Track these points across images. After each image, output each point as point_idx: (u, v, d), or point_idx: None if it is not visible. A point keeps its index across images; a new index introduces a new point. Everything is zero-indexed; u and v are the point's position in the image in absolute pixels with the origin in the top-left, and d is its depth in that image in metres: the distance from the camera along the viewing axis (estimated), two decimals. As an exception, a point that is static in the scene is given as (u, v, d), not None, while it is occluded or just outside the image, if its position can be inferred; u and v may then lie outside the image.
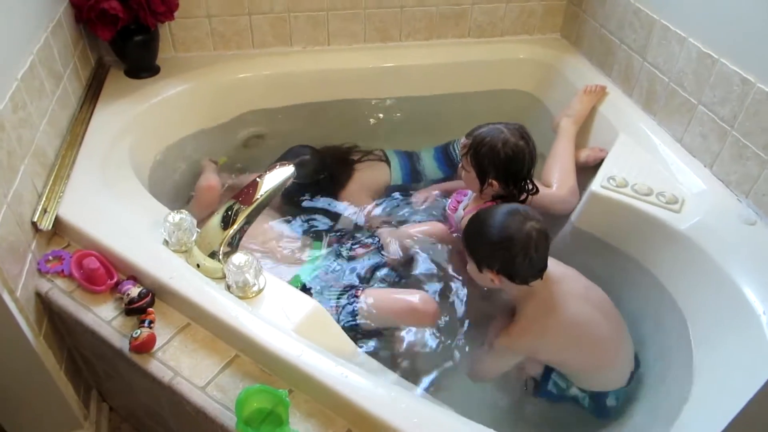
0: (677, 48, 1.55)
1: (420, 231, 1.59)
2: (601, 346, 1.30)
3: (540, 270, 1.24)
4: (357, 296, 1.38)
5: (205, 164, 1.75)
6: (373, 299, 1.38)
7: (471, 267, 1.32)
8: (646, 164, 1.57)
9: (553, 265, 1.29)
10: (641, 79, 1.73)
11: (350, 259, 1.53)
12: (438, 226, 1.61)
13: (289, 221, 1.71)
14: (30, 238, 1.15)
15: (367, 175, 1.85)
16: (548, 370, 1.38)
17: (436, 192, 1.82)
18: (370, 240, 1.59)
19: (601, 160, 1.71)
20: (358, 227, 1.71)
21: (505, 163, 1.42)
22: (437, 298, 1.46)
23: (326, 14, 1.89)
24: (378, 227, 1.67)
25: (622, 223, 1.49)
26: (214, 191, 1.63)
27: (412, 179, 1.88)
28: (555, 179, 1.64)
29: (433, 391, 1.31)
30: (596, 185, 1.51)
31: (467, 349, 1.41)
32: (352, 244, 1.57)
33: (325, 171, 1.81)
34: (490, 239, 1.24)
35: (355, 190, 1.81)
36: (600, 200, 1.49)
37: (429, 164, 1.90)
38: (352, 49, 1.97)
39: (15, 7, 1.22)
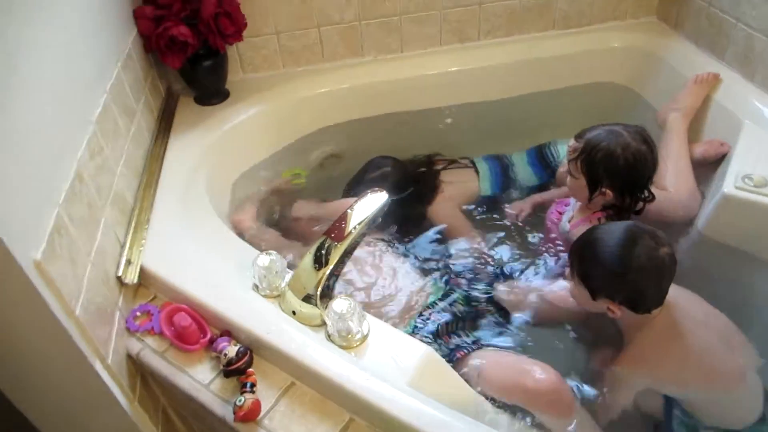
0: (817, 23, 1.33)
1: (552, 298, 1.35)
2: (725, 375, 1.14)
3: (665, 297, 1.10)
4: (459, 358, 1.21)
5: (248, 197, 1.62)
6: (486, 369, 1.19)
7: (580, 293, 1.17)
8: (784, 158, 1.35)
9: (671, 289, 1.13)
10: (766, 59, 1.50)
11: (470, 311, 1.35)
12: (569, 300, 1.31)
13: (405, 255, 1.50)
14: (116, 295, 1.06)
15: (456, 187, 1.69)
16: (669, 407, 1.20)
17: (532, 203, 1.65)
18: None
19: (722, 156, 1.50)
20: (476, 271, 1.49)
21: (624, 170, 1.26)
22: None
23: (399, 19, 1.75)
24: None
25: (763, 229, 1.29)
26: (242, 224, 1.50)
27: (504, 187, 1.72)
28: (671, 181, 1.44)
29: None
30: (729, 186, 1.31)
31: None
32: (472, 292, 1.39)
33: (409, 184, 1.67)
34: (615, 269, 1.09)
35: (444, 205, 1.66)
36: (735, 203, 1.30)
37: (522, 169, 1.73)
38: (428, 53, 1.83)
39: (88, 43, 1.14)
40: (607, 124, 1.30)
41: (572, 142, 1.32)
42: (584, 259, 1.15)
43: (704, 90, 1.61)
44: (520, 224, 1.62)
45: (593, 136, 1.28)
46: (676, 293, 1.15)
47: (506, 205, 1.68)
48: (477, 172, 1.72)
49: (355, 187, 1.68)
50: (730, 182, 1.32)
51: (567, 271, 1.21)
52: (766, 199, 1.28)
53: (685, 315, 1.15)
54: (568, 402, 1.13)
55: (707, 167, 1.52)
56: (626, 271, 1.08)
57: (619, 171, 1.26)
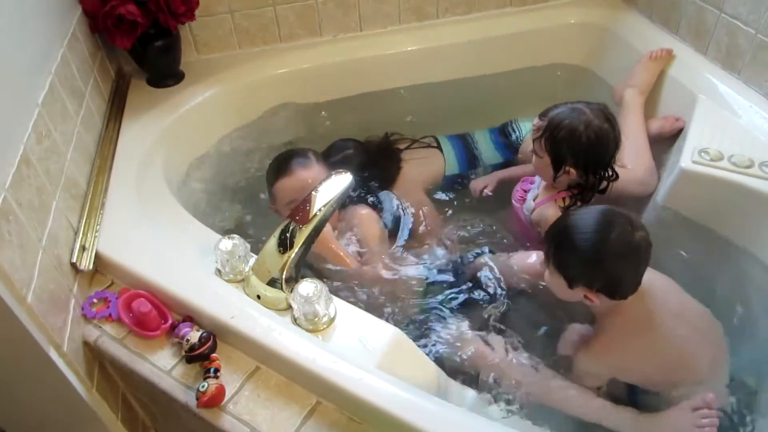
0: (766, -5, 1.36)
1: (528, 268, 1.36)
2: (697, 368, 1.14)
3: (640, 282, 1.08)
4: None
5: None
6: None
7: (557, 282, 1.14)
8: (738, 131, 1.39)
9: (648, 273, 1.11)
10: (718, 33, 1.54)
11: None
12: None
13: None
14: (71, 282, 1.03)
15: (418, 166, 1.68)
16: (633, 393, 1.20)
17: (496, 179, 1.66)
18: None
19: (678, 131, 1.53)
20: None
21: (586, 148, 1.26)
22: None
23: (356, -3, 1.72)
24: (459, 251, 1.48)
25: (720, 202, 1.32)
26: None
27: (469, 166, 1.72)
28: (628, 158, 1.46)
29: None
30: (686, 161, 1.33)
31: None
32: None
33: (371, 166, 1.66)
34: (592, 256, 1.07)
35: (407, 185, 1.66)
36: (693, 177, 1.32)
37: (486, 147, 1.74)
38: (387, 32, 1.80)
39: (28, 23, 1.08)
40: (570, 102, 1.31)
41: (536, 120, 1.33)
42: (560, 248, 1.12)
43: (659, 66, 1.64)
44: (485, 202, 1.62)
45: (556, 114, 1.29)
46: (651, 279, 1.13)
47: (471, 180, 1.68)
48: (441, 150, 1.72)
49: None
50: (687, 157, 1.34)
51: (540, 260, 1.19)
52: (722, 172, 1.30)
53: (659, 304, 1.13)
54: None
55: (664, 142, 1.56)
56: (603, 257, 1.06)
57: (582, 149, 1.26)
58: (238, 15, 1.65)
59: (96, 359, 1.06)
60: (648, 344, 1.12)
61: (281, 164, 1.41)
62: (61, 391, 0.95)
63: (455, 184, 1.71)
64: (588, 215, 1.12)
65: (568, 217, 1.15)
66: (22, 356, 0.87)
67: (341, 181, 1.14)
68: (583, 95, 1.44)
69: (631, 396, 1.20)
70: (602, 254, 1.06)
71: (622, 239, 1.05)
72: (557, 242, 1.13)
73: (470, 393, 1.13)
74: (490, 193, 1.64)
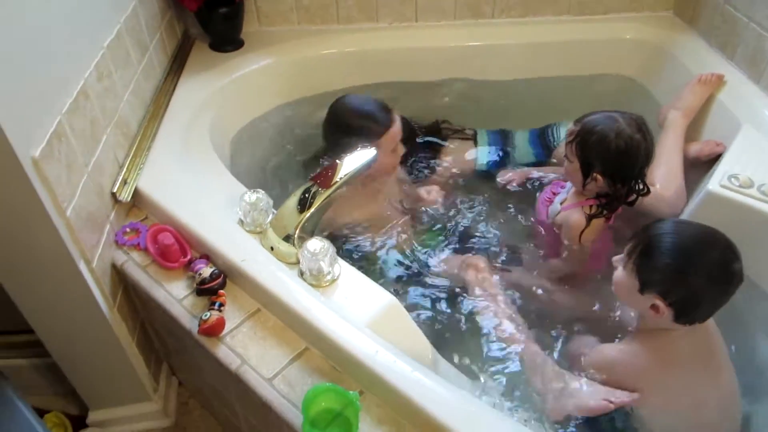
0: (826, 29, 1.33)
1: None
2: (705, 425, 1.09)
3: (710, 317, 1.04)
4: None
5: None
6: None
7: (627, 282, 1.07)
8: (776, 162, 1.37)
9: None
10: (773, 63, 1.51)
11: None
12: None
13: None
14: (109, 209, 1.14)
15: (451, 158, 1.73)
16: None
17: (525, 175, 1.67)
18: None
19: (717, 156, 1.51)
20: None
21: (615, 156, 1.27)
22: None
23: (416, -12, 1.78)
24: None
25: (742, 230, 1.28)
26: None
27: (500, 162, 1.75)
28: (659, 179, 1.45)
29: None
30: (714, 184, 1.32)
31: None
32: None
33: (416, 144, 1.70)
34: (684, 266, 1.00)
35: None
36: (718, 202, 1.30)
37: (522, 146, 1.75)
38: (441, 25, 1.85)
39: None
40: (608, 110, 1.31)
41: (571, 125, 1.34)
42: (650, 248, 1.04)
43: (707, 90, 1.62)
44: (509, 207, 1.65)
45: (589, 120, 1.30)
46: (709, 326, 1.06)
47: (499, 174, 1.70)
48: (476, 144, 1.76)
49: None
50: (715, 180, 1.32)
51: (619, 257, 1.11)
52: (748, 199, 1.27)
53: (704, 351, 1.06)
54: None
55: (702, 167, 1.54)
56: (695, 271, 0.98)
57: (611, 157, 1.26)
58: (301, -8, 1.75)
59: (121, 283, 1.18)
60: (669, 379, 1.06)
61: (383, 115, 1.40)
62: (86, 303, 1.06)
63: (483, 179, 1.74)
64: (694, 225, 1.06)
65: (672, 222, 1.09)
66: (55, 262, 0.98)
67: (366, 154, 1.22)
68: (629, 109, 1.45)
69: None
70: (695, 267, 0.99)
71: (720, 262, 0.98)
72: (648, 242, 1.04)
73: (462, 377, 1.17)
74: (515, 187, 1.65)
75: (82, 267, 1.00)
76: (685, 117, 1.60)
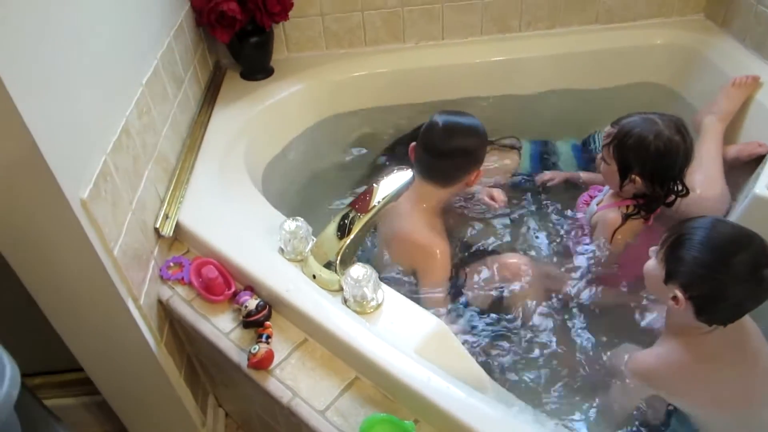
0: None
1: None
2: (753, 414, 1.06)
3: (735, 319, 1.01)
4: None
5: None
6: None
7: (655, 270, 1.07)
8: (822, 163, 1.32)
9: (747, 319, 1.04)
10: (812, 62, 1.47)
11: None
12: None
13: None
14: (153, 245, 1.15)
15: (493, 162, 1.70)
16: (668, 417, 1.15)
17: (563, 176, 1.66)
18: None
19: (758, 157, 1.47)
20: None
21: (654, 158, 1.25)
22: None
23: (441, 6, 1.78)
24: None
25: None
26: None
27: (542, 167, 1.73)
28: (699, 184, 1.42)
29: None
30: (761, 188, 1.28)
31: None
32: None
33: None
34: (709, 263, 0.99)
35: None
36: (765, 206, 1.27)
37: (565, 155, 1.74)
38: (468, 42, 1.85)
39: (142, 13, 1.23)
40: (645, 112, 1.30)
41: (608, 127, 1.34)
42: (682, 238, 1.03)
43: (743, 94, 1.58)
44: (545, 205, 1.62)
45: (627, 122, 1.29)
46: (745, 324, 1.05)
47: (538, 176, 1.68)
48: (519, 150, 1.73)
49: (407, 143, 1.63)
50: (762, 183, 1.29)
51: (655, 247, 1.11)
52: (797, 202, 1.25)
53: (736, 342, 1.04)
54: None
55: (744, 170, 1.50)
56: (720, 270, 0.97)
57: (650, 158, 1.25)
58: (328, 18, 1.76)
59: (167, 317, 1.18)
60: (712, 375, 1.05)
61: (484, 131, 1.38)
62: (134, 340, 1.07)
63: (523, 182, 1.71)
64: (731, 225, 1.05)
65: (710, 219, 1.06)
66: (103, 301, 0.98)
67: (402, 176, 1.21)
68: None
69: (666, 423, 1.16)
70: (721, 264, 0.98)
71: (750, 264, 0.96)
72: (681, 233, 1.04)
73: (516, 400, 1.14)
74: (553, 183, 1.64)
75: (130, 304, 1.01)
76: (722, 121, 1.56)
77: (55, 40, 0.86)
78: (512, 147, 1.74)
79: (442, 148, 1.32)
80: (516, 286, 1.33)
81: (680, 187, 1.30)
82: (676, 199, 1.31)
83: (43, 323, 1.01)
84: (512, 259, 1.38)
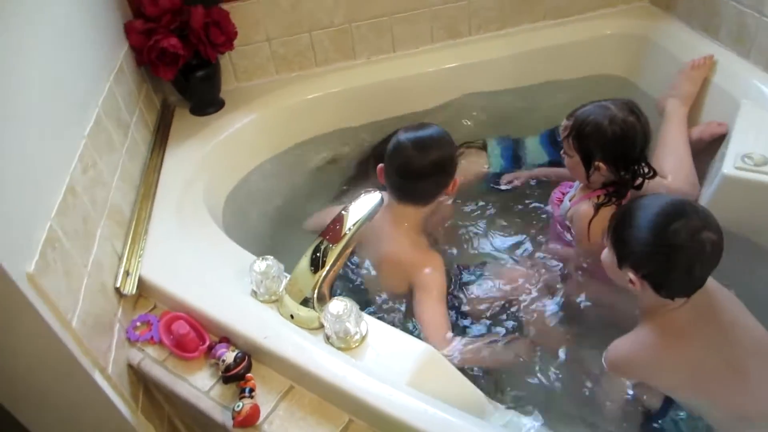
0: (809, -5, 1.31)
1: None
2: (742, 399, 1.05)
3: (695, 288, 1.03)
4: None
5: None
6: None
7: (609, 258, 1.11)
8: (784, 135, 1.33)
9: (710, 284, 1.05)
10: (760, 37, 1.49)
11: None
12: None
13: None
14: (115, 306, 1.07)
15: (462, 167, 1.67)
16: (667, 404, 1.14)
17: (529, 175, 1.65)
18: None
19: (720, 136, 1.48)
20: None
21: (613, 142, 1.26)
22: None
23: (389, 19, 1.75)
24: None
25: (764, 210, 1.27)
26: None
27: (514, 164, 1.71)
28: (669, 169, 1.42)
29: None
30: (728, 167, 1.29)
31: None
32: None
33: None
34: (648, 238, 1.01)
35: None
36: (736, 184, 1.28)
37: (533, 147, 1.72)
38: (420, 52, 1.83)
39: (77, 60, 1.15)
40: (597, 101, 1.31)
41: (564, 121, 1.34)
42: (621, 222, 1.08)
43: (701, 75, 1.59)
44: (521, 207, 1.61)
45: (581, 112, 1.29)
46: (712, 290, 1.06)
47: (502, 178, 1.67)
48: (486, 150, 1.71)
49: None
50: (729, 163, 1.30)
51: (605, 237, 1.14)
52: (766, 177, 1.26)
53: (710, 317, 1.05)
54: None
55: (708, 150, 1.51)
56: (658, 242, 1.00)
57: (609, 142, 1.26)
58: (275, 42, 1.71)
59: (141, 382, 1.10)
60: (683, 355, 1.05)
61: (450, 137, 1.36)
62: (107, 414, 0.99)
63: (496, 182, 1.69)
64: (662, 198, 1.07)
65: (645, 197, 1.10)
66: (68, 380, 0.90)
67: (371, 199, 1.16)
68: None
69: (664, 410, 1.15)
70: (658, 238, 1.00)
71: (685, 231, 0.98)
72: (620, 217, 1.08)
73: (518, 418, 1.11)
74: (518, 184, 1.64)
75: (97, 377, 0.93)
76: (685, 104, 1.57)
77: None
78: (479, 148, 1.72)
79: (417, 169, 1.29)
80: (516, 295, 1.32)
81: (646, 169, 1.31)
82: (644, 181, 1.31)
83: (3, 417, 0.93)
84: (509, 269, 1.39)
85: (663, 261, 1.00)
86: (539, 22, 1.87)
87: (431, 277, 1.30)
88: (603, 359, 1.15)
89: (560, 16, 1.86)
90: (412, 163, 1.29)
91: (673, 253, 0.99)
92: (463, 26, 1.81)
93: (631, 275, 1.05)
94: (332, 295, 1.09)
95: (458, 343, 1.22)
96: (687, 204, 1.03)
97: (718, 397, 1.07)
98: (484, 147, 1.73)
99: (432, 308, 1.27)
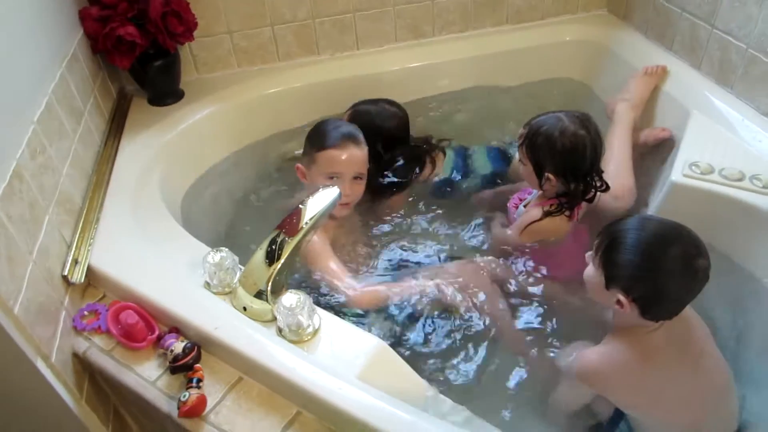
0: (755, 10, 1.37)
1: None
2: (696, 420, 1.08)
3: (677, 313, 1.03)
4: None
5: None
6: None
7: (595, 279, 1.08)
8: (730, 145, 1.40)
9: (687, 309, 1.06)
10: (711, 48, 1.55)
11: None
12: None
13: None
14: (62, 295, 1.05)
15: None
16: (618, 416, 1.16)
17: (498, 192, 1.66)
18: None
19: (663, 141, 1.54)
20: None
21: (562, 155, 1.28)
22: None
23: (353, 16, 1.76)
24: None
25: (710, 216, 1.31)
26: None
27: (463, 174, 1.71)
28: (609, 174, 1.46)
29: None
30: (677, 175, 1.33)
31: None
32: None
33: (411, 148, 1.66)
34: (642, 263, 1.00)
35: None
36: (683, 191, 1.32)
37: (480, 157, 1.72)
38: (384, 50, 1.84)
39: (24, 46, 1.12)
40: (553, 111, 1.33)
41: (521, 129, 1.36)
42: (614, 243, 1.04)
43: (653, 81, 1.65)
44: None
45: (536, 122, 1.32)
46: (686, 315, 1.06)
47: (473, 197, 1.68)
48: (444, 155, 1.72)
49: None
50: (677, 170, 1.34)
51: (589, 253, 1.12)
52: (712, 185, 1.30)
53: (681, 342, 1.06)
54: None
55: (652, 154, 1.56)
56: (655, 267, 0.99)
57: (558, 155, 1.28)
58: (236, 35, 1.70)
59: (86, 371, 1.08)
60: (650, 376, 1.06)
61: (335, 134, 1.40)
62: (50, 402, 0.96)
63: (443, 188, 1.70)
64: (658, 221, 1.06)
65: (638, 218, 1.09)
66: (8, 367, 0.88)
67: (329, 194, 1.17)
68: (578, 109, 1.45)
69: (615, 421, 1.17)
70: (655, 263, 0.99)
71: (682, 257, 0.98)
72: (613, 237, 1.05)
73: (462, 411, 1.13)
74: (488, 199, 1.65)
75: (40, 365, 0.91)
76: (634, 109, 1.62)
77: None
78: (441, 151, 1.73)
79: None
80: (457, 286, 1.33)
81: (599, 183, 1.33)
82: (595, 194, 1.34)
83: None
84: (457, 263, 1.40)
85: (658, 287, 1.00)
86: (502, 26, 1.90)
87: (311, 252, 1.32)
88: (568, 364, 1.16)
89: (522, 20, 1.91)
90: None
91: (669, 280, 0.99)
92: (427, 26, 1.84)
93: (621, 297, 1.03)
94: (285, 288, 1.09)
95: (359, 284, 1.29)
96: (681, 228, 1.02)
97: (673, 423, 1.09)
98: (444, 152, 1.74)
99: (322, 269, 1.31)
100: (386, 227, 1.57)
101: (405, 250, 1.49)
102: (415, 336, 1.30)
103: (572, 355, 1.18)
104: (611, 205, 1.42)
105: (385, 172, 1.62)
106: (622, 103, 1.62)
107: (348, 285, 1.30)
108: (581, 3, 1.92)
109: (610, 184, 1.40)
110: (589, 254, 1.12)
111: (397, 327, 1.30)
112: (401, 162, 1.64)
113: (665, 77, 1.65)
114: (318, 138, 1.42)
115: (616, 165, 1.47)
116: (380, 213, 1.57)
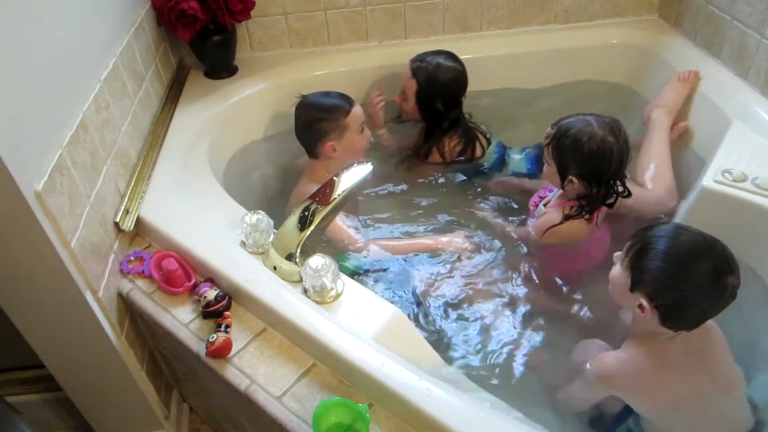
0: (805, 22, 1.36)
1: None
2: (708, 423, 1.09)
3: (698, 325, 1.03)
4: None
5: None
6: None
7: (620, 279, 1.08)
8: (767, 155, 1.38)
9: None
10: (758, 58, 1.53)
11: None
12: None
13: None
14: (112, 239, 1.16)
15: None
16: (626, 413, 1.17)
17: (518, 185, 1.70)
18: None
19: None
20: None
21: (588, 159, 1.28)
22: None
23: (403, 6, 1.82)
24: None
25: (739, 225, 1.30)
26: None
27: (500, 168, 1.76)
28: (649, 178, 1.47)
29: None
30: (708, 180, 1.33)
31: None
32: None
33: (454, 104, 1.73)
34: (673, 272, 0.99)
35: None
36: (713, 197, 1.32)
37: (517, 156, 1.77)
38: (431, 41, 1.88)
39: (98, 11, 1.23)
40: (583, 113, 1.33)
41: (549, 128, 1.37)
42: (646, 247, 1.03)
43: (687, 87, 1.65)
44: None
45: (564, 124, 1.32)
46: (708, 328, 1.06)
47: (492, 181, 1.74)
48: (489, 144, 1.78)
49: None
50: (709, 176, 1.34)
51: (618, 254, 1.11)
52: (743, 193, 1.29)
53: (698, 352, 1.05)
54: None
55: (693, 165, 1.56)
56: (684, 278, 0.98)
57: (583, 158, 1.28)
58: (291, 17, 1.78)
59: (128, 311, 1.19)
60: (666, 383, 1.06)
61: (338, 99, 1.54)
62: (93, 332, 1.07)
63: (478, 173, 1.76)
64: (693, 232, 1.03)
65: (670, 225, 1.08)
66: (61, 294, 0.99)
67: (363, 169, 1.23)
68: (622, 114, 1.46)
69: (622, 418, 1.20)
70: (685, 274, 0.98)
71: (713, 272, 0.97)
72: (645, 242, 1.04)
73: (467, 381, 1.17)
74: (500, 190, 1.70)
75: (89, 297, 1.02)
76: (669, 114, 1.63)
77: (6, 36, 0.87)
78: (485, 137, 1.78)
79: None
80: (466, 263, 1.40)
81: (622, 189, 1.33)
82: (616, 200, 1.34)
83: (2, 319, 1.01)
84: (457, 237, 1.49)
85: (683, 298, 0.99)
86: (549, 25, 1.92)
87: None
88: (588, 365, 1.16)
89: (570, 21, 1.92)
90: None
91: (696, 293, 0.98)
92: (474, 20, 1.88)
93: (644, 302, 1.02)
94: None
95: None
96: (715, 243, 1.00)
97: (682, 425, 1.10)
98: (488, 139, 1.79)
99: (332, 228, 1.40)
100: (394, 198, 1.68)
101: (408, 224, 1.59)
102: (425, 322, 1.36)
103: (586, 353, 1.20)
104: (654, 210, 1.43)
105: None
106: (657, 110, 1.63)
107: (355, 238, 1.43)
108: (632, 7, 1.92)
109: (651, 190, 1.41)
110: (617, 255, 1.12)
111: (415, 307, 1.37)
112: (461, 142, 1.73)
113: (698, 82, 1.65)
114: (332, 110, 1.52)
115: (656, 171, 1.48)
116: (416, 172, 1.72)
